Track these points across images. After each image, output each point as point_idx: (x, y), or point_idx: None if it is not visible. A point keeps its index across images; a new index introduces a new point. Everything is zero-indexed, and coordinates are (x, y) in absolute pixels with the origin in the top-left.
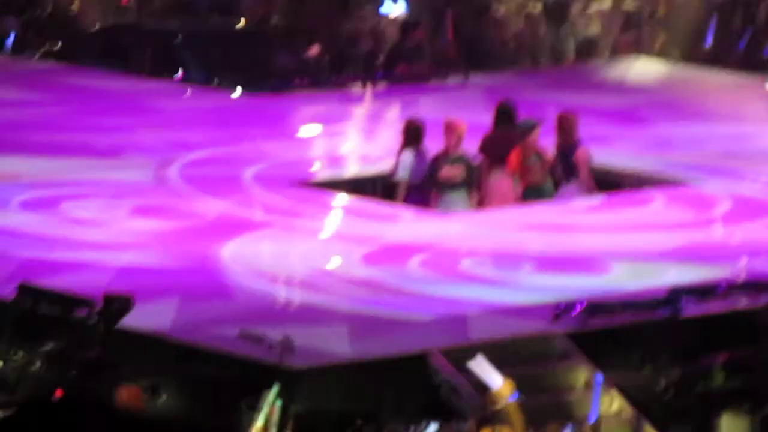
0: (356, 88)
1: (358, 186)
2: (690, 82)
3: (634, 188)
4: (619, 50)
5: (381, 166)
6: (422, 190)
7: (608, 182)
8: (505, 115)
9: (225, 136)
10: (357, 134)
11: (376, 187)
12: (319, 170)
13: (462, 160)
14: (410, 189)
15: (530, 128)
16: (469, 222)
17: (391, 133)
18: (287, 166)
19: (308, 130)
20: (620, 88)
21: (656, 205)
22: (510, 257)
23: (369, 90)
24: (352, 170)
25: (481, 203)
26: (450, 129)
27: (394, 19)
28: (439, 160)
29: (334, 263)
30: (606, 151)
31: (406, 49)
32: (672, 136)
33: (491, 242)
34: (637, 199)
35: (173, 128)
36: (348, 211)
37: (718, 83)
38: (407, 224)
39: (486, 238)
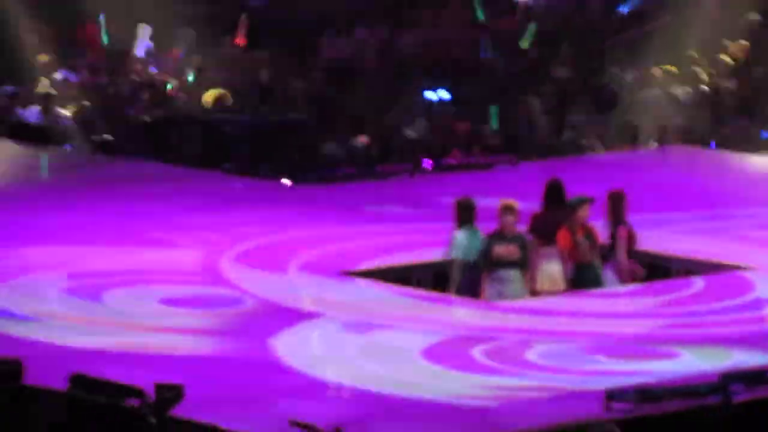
0: (404, 176)
1: (409, 273)
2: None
3: (682, 274)
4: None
5: (433, 253)
6: (475, 269)
7: (656, 266)
8: (554, 193)
9: (274, 226)
10: (407, 221)
11: (428, 275)
12: (370, 259)
13: (517, 239)
14: (464, 268)
15: (578, 204)
16: (522, 310)
17: (443, 218)
18: (336, 255)
19: (358, 218)
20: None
21: (699, 290)
22: (563, 344)
23: (417, 177)
24: (403, 258)
25: (531, 282)
26: (504, 208)
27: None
28: (493, 239)
29: (390, 355)
30: (659, 233)
31: (455, 138)
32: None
33: (543, 330)
34: (679, 285)
35: (222, 218)
36: (401, 300)
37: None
38: (463, 314)
39: (539, 326)
